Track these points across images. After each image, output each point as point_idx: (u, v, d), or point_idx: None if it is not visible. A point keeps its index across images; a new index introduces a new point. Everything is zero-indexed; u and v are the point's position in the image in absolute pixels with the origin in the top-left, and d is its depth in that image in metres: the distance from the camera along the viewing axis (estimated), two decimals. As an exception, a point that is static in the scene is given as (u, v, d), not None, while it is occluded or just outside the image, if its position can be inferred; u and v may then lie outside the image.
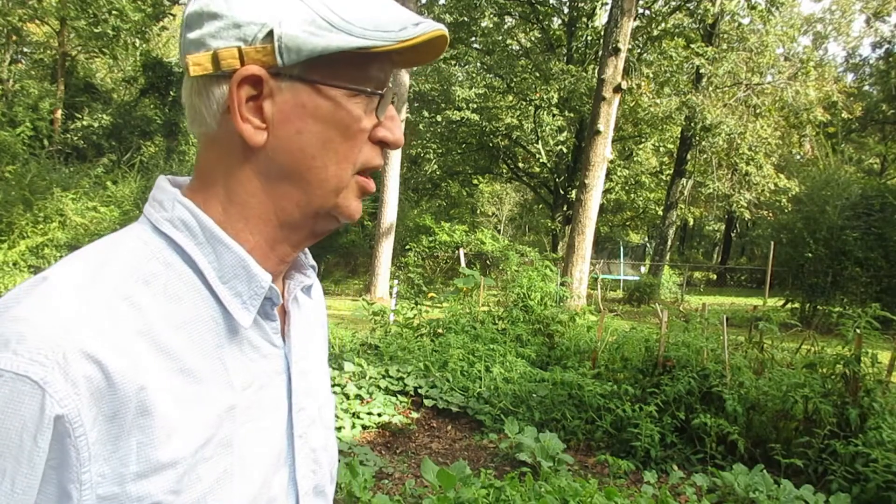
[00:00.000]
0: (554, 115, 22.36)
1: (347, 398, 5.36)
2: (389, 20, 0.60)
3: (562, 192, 23.87)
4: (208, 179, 0.64)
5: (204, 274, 0.62)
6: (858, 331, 4.42)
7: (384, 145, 0.67)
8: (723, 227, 34.47)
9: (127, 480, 0.54)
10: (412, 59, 0.66)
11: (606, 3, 20.38)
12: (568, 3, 23.41)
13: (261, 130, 0.61)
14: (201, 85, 0.61)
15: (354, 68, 0.62)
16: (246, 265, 0.63)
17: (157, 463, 0.55)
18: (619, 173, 24.28)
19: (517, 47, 23.90)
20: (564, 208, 23.33)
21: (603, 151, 11.73)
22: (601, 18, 21.91)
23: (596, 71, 16.71)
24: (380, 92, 0.64)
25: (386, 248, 15.14)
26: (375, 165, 0.66)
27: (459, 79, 24.49)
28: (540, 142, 23.18)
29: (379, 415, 5.17)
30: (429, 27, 0.61)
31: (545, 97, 21.28)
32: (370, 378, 5.73)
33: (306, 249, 0.75)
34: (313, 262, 0.77)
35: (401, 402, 5.60)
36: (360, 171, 0.66)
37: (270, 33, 0.58)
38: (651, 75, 21.20)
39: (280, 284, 0.71)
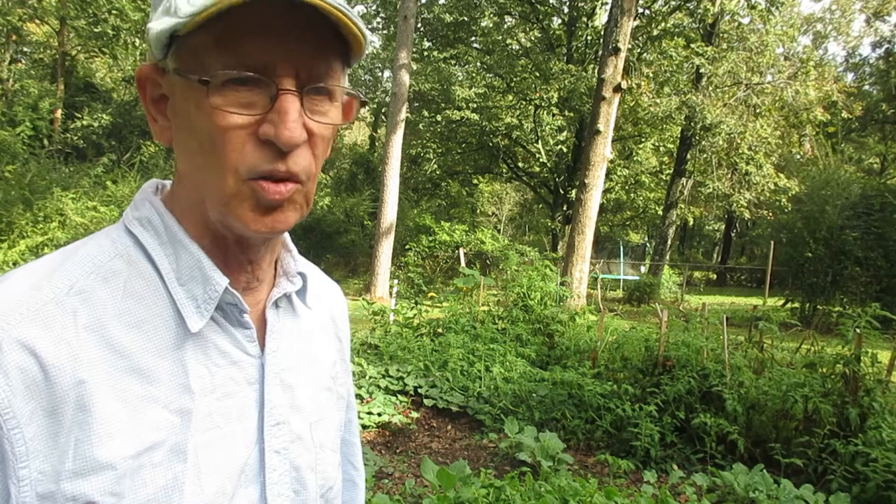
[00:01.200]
0: (554, 115, 22.35)
1: (347, 398, 5.36)
2: None
3: (562, 191, 23.86)
4: (175, 180, 0.65)
5: (162, 274, 0.60)
6: (858, 330, 4.42)
7: (272, 145, 0.56)
8: (723, 226, 34.46)
9: (62, 478, 0.52)
10: (259, 32, 0.54)
11: (606, 3, 20.37)
12: (568, 3, 23.40)
13: (166, 130, 0.61)
14: None
15: (217, 55, 0.55)
16: (201, 266, 0.60)
17: (95, 462, 0.53)
18: (618, 173, 24.27)
19: (517, 47, 23.88)
20: (564, 208, 23.33)
21: (603, 151, 11.73)
22: (601, 18, 21.90)
23: (596, 70, 16.71)
24: (205, 79, 0.54)
25: (386, 248, 15.14)
26: (264, 171, 0.56)
27: (459, 78, 24.47)
28: (540, 141, 23.17)
29: (379, 414, 5.17)
30: None
31: (545, 97, 21.28)
32: (370, 378, 5.73)
33: (295, 254, 0.72)
34: (302, 269, 0.72)
35: (401, 401, 5.60)
36: (257, 176, 0.56)
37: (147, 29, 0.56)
38: (651, 75, 21.19)
39: (263, 292, 0.68)
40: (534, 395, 5.56)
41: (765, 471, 4.01)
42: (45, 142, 19.68)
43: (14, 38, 22.76)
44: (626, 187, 26.11)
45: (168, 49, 0.57)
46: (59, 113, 20.94)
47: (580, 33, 23.10)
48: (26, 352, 0.51)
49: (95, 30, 20.12)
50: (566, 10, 23.60)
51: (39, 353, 0.51)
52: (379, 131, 29.40)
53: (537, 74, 22.00)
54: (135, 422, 0.55)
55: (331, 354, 0.78)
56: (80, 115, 20.95)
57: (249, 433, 0.63)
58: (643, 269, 24.62)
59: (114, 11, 19.80)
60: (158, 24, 0.55)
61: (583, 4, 22.39)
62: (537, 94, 21.76)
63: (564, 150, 24.11)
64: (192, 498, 0.57)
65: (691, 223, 33.20)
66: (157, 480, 0.55)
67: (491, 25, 23.76)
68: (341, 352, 0.81)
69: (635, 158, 25.46)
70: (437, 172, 26.64)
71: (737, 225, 32.31)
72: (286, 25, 0.54)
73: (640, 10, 20.02)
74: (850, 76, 32.75)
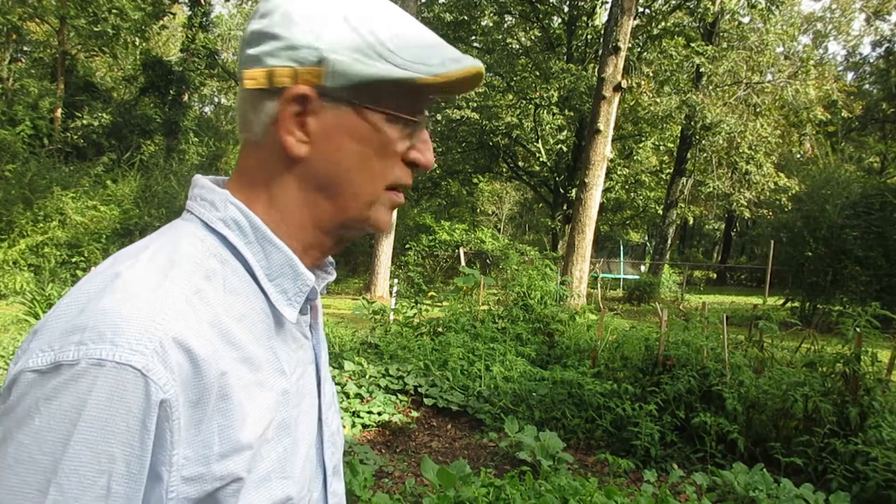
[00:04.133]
0: (554, 114, 22.33)
1: (347, 397, 5.36)
2: (431, 55, 0.66)
3: (562, 190, 23.85)
4: (251, 183, 0.70)
5: (253, 270, 0.67)
6: (858, 329, 4.43)
7: (415, 167, 0.72)
8: (723, 225, 34.47)
9: (212, 461, 0.58)
10: (448, 90, 0.71)
11: (606, 2, 20.37)
12: (568, 2, 23.39)
13: (303, 144, 0.67)
14: (254, 97, 0.67)
15: (396, 95, 0.68)
16: (293, 264, 0.68)
17: (238, 444, 0.60)
18: (619, 172, 24.25)
19: (517, 46, 23.87)
20: (564, 207, 23.32)
21: (603, 150, 11.73)
22: (601, 17, 21.88)
23: (596, 70, 16.70)
24: (415, 119, 0.70)
25: (386, 247, 15.14)
26: (406, 184, 0.72)
27: (459, 78, 24.44)
28: (540, 141, 23.16)
29: (379, 414, 5.17)
30: (467, 64, 0.67)
31: (545, 96, 21.26)
32: (370, 377, 5.73)
33: None
34: (331, 259, 0.82)
35: (401, 400, 5.60)
36: (392, 186, 0.71)
37: (323, 59, 0.64)
38: (651, 74, 21.18)
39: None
40: (534, 394, 5.56)
41: (765, 470, 4.01)
42: (45, 141, 19.68)
43: (14, 37, 22.75)
44: (627, 186, 26.09)
45: (348, 84, 0.65)
46: (59, 112, 20.92)
47: (580, 32, 23.08)
48: (181, 349, 0.56)
49: (95, 29, 20.10)
50: (566, 9, 23.58)
51: (192, 349, 0.57)
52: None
53: (537, 73, 21.97)
54: (254, 405, 0.62)
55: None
56: (80, 115, 20.93)
57: (315, 406, 0.75)
58: (643, 269, 24.62)
59: (114, 11, 19.79)
60: (370, 67, 0.64)
61: (583, 4, 22.37)
62: (537, 94, 21.74)
63: (564, 149, 24.10)
64: (295, 465, 0.68)
65: (691, 222, 33.18)
66: (273, 454, 0.65)
67: (491, 25, 23.75)
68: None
69: (635, 157, 25.44)
70: (437, 171, 26.62)
71: (737, 224, 32.31)
72: (463, 87, 0.70)
73: (641, 10, 20.00)
74: (850, 75, 32.77)
